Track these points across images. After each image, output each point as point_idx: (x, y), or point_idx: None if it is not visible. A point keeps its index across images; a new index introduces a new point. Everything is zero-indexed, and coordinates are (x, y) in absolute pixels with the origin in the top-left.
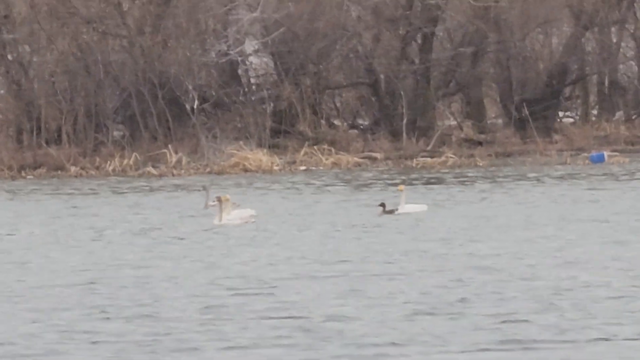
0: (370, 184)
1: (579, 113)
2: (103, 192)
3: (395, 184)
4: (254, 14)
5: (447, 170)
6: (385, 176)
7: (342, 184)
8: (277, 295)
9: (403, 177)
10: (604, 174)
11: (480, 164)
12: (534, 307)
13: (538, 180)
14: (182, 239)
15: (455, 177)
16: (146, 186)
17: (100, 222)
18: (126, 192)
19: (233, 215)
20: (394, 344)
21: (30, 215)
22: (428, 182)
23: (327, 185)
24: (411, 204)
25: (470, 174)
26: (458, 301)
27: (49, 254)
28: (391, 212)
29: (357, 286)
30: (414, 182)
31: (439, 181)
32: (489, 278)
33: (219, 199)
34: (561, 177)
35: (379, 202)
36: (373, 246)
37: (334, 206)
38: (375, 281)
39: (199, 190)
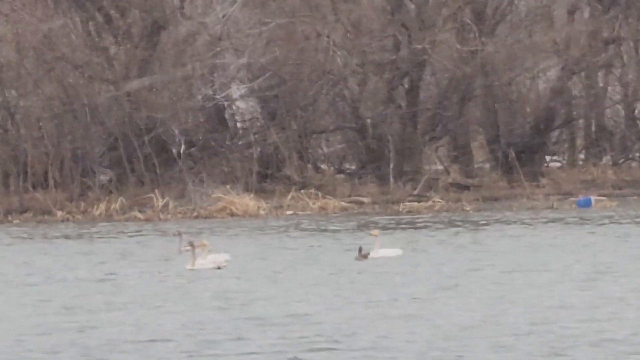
0: (354, 229)
1: (566, 157)
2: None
3: (383, 228)
4: (241, 60)
5: (432, 215)
6: (372, 219)
7: (324, 228)
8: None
9: (390, 220)
10: (590, 219)
11: (468, 209)
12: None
13: (522, 224)
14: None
15: (439, 222)
16: (125, 231)
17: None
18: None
19: (206, 260)
20: None
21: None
22: (414, 227)
23: (310, 230)
24: (385, 249)
25: (456, 218)
26: None
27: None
28: (365, 256)
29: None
30: (401, 226)
31: (424, 226)
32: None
33: (192, 245)
34: (546, 222)
35: (358, 246)
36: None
37: (311, 250)
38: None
39: (173, 235)
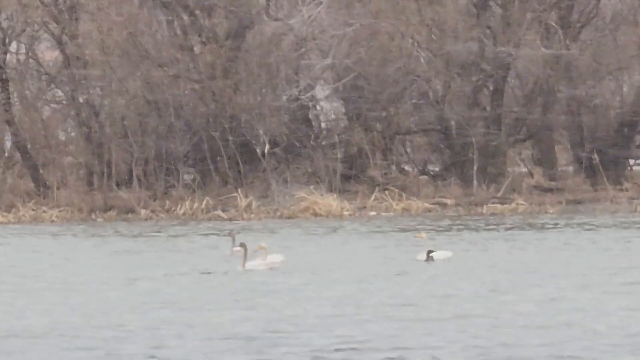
0: (438, 230)
1: None
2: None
3: (464, 228)
4: (326, 61)
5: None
6: (457, 222)
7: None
8: None
9: (475, 222)
10: None
11: (551, 211)
12: None
13: (605, 227)
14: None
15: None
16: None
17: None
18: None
19: (256, 262)
20: None
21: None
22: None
23: (384, 231)
24: (439, 251)
25: (537, 221)
26: None
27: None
28: (431, 258)
29: None
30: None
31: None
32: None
33: (244, 246)
34: (627, 227)
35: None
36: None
37: (376, 250)
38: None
39: (225, 236)
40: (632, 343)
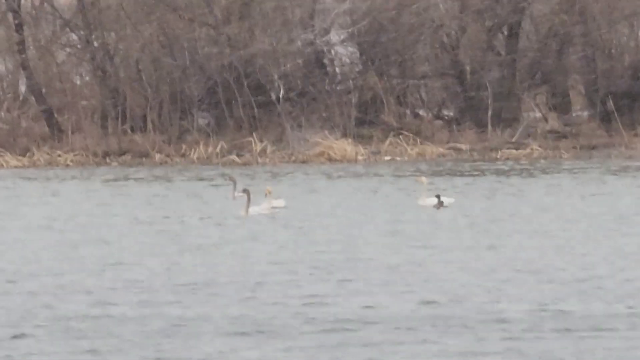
0: (449, 173)
1: None
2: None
3: (475, 174)
4: (342, 5)
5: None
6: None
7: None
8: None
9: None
10: None
11: (565, 157)
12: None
13: (618, 173)
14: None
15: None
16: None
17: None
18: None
19: (259, 207)
20: None
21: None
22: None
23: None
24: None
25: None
26: None
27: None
28: (441, 203)
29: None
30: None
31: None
32: None
33: (247, 192)
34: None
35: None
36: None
37: (380, 196)
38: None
39: (225, 180)
40: None
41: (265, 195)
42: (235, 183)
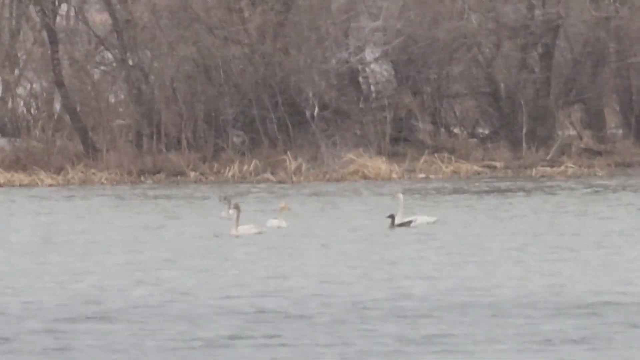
0: (482, 192)
1: None
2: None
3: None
4: (376, 23)
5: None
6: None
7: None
8: None
9: (522, 185)
10: None
11: (600, 174)
12: None
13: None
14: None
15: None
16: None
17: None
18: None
19: (247, 226)
20: None
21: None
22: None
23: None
24: (423, 216)
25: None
26: None
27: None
28: (405, 224)
29: None
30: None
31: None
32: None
33: (237, 207)
34: None
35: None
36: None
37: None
38: None
39: (220, 201)
40: None
41: (280, 210)
42: (230, 202)
